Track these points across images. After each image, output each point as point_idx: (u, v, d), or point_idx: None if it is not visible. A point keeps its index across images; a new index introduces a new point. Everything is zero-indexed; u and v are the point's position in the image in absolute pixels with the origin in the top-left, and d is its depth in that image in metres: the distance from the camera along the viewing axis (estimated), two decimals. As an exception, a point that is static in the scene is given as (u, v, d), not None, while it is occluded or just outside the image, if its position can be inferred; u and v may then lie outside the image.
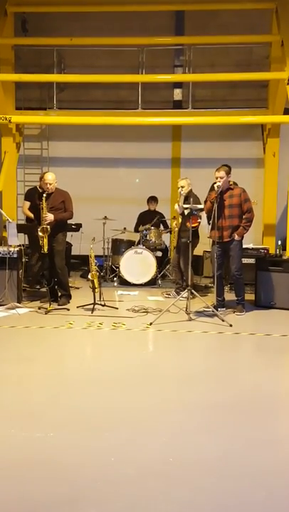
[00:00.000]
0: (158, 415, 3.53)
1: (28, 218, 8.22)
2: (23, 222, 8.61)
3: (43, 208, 6.74)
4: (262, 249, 8.08)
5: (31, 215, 7.98)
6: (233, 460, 2.91)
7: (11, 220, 6.99)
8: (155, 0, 9.80)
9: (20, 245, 7.04)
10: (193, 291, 6.45)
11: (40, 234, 6.73)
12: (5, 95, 9.38)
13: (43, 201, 6.74)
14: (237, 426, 3.37)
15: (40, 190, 7.86)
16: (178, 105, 10.95)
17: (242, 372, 4.57)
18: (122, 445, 3.07)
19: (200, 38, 10.07)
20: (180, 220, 7.65)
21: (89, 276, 6.85)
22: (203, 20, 10.40)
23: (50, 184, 6.88)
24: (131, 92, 10.24)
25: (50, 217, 6.75)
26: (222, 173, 6.55)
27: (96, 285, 6.76)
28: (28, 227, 8.04)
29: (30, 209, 8.02)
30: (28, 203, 8.18)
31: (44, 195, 6.79)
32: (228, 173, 6.59)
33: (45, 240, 6.73)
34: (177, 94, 11.10)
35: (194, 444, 3.09)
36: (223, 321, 6.09)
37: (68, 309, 6.81)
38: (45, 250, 6.77)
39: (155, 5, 9.84)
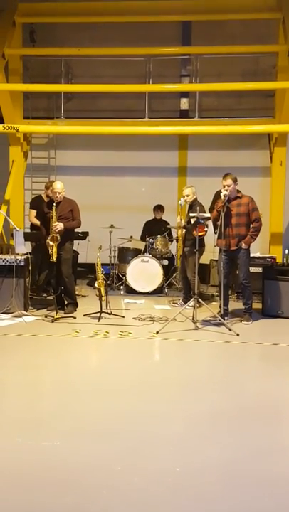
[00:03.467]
0: (164, 424, 3.52)
1: (33, 226, 8.23)
2: (28, 230, 8.63)
3: (52, 217, 6.77)
4: (269, 257, 8.08)
5: (38, 223, 8.03)
6: (239, 469, 2.89)
7: (18, 229, 7.02)
8: (162, 10, 9.87)
9: (27, 253, 7.06)
10: (199, 299, 6.43)
11: (49, 242, 6.75)
12: (13, 105, 9.45)
13: (53, 210, 6.77)
14: (244, 435, 3.35)
15: (46, 199, 7.91)
16: (185, 114, 10.99)
17: (249, 381, 4.55)
18: (128, 453, 3.06)
19: (207, 48, 10.12)
20: (183, 231, 7.62)
21: (95, 285, 6.86)
22: (210, 31, 10.45)
23: (59, 193, 6.91)
24: (138, 102, 10.29)
25: (60, 225, 6.77)
26: (229, 181, 6.53)
27: (102, 293, 6.76)
28: (34, 236, 8.07)
29: (37, 217, 8.07)
30: (34, 212, 8.25)
31: (54, 204, 6.82)
32: (235, 181, 6.57)
33: (55, 249, 6.75)
34: (184, 103, 11.14)
35: (201, 453, 3.08)
36: (230, 330, 6.06)
37: (75, 317, 6.81)
38: (54, 259, 6.78)
39: (162, 15, 9.91)
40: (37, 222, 8.07)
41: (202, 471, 2.87)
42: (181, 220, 7.52)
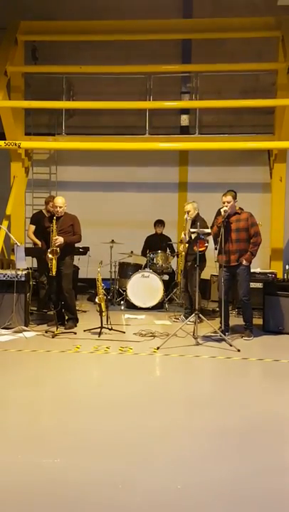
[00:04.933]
0: (165, 441, 3.49)
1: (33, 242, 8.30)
2: (30, 245, 8.66)
3: (53, 231, 6.80)
4: (269, 273, 8.07)
5: (36, 239, 8.08)
6: (241, 487, 2.86)
7: (19, 244, 7.04)
8: (163, 29, 10.00)
9: (27, 268, 7.07)
10: (200, 315, 6.42)
11: (49, 256, 6.76)
12: (15, 121, 9.53)
13: (54, 224, 6.80)
14: (245, 452, 3.32)
15: (47, 214, 7.95)
16: (185, 131, 11.08)
17: (250, 398, 4.52)
18: (130, 471, 3.03)
19: (207, 65, 10.22)
20: (186, 245, 7.66)
21: (96, 300, 6.85)
22: (209, 49, 10.58)
23: (60, 208, 6.95)
24: (139, 118, 10.38)
25: (60, 239, 6.80)
26: (229, 198, 6.61)
27: (103, 309, 6.75)
28: (35, 251, 8.10)
29: (37, 233, 8.10)
30: (33, 227, 8.28)
31: (54, 217, 6.86)
32: (234, 197, 6.66)
33: (54, 262, 6.77)
34: (184, 120, 11.25)
35: (202, 471, 3.05)
36: (231, 345, 6.05)
37: (75, 333, 6.79)
38: (54, 272, 6.79)
39: (163, 34, 10.04)
40: (34, 238, 8.12)
41: (204, 489, 2.84)
42: (185, 235, 7.55)
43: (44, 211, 8.34)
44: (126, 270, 9.16)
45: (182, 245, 7.94)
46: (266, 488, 2.86)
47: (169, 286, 9.19)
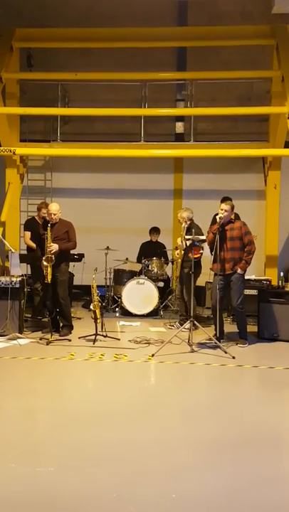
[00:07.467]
0: (160, 450, 3.47)
1: (29, 248, 8.27)
2: (25, 252, 8.64)
3: (47, 238, 6.78)
4: (264, 280, 8.08)
5: (33, 244, 8.06)
6: (237, 497, 2.84)
7: (13, 251, 7.02)
8: (158, 37, 10.05)
9: (22, 275, 7.04)
10: (195, 322, 6.41)
11: (44, 263, 6.74)
12: (10, 128, 9.53)
13: (48, 231, 6.78)
14: (241, 462, 3.31)
15: (40, 221, 7.94)
16: (180, 138, 11.11)
17: (246, 406, 4.50)
18: (124, 481, 3.01)
19: (202, 73, 10.27)
20: (182, 252, 7.66)
21: (91, 307, 6.83)
22: (204, 56, 10.63)
23: (54, 214, 6.93)
24: (134, 125, 10.40)
25: (54, 246, 6.77)
26: (227, 207, 6.60)
27: (98, 315, 6.73)
28: (30, 257, 8.08)
29: (32, 239, 8.08)
30: (29, 233, 8.25)
31: (49, 224, 6.84)
32: (232, 207, 6.65)
33: (49, 270, 6.74)
34: (179, 127, 11.28)
35: (197, 480, 3.03)
36: (226, 353, 6.03)
37: (70, 340, 6.76)
38: (49, 280, 6.77)
39: (158, 41, 10.09)
40: (32, 244, 8.10)
41: (199, 498, 2.82)
42: (182, 242, 7.51)
43: (37, 218, 8.33)
44: (121, 277, 9.14)
45: (178, 251, 7.93)
46: (262, 499, 2.84)
47: (164, 293, 9.18)
